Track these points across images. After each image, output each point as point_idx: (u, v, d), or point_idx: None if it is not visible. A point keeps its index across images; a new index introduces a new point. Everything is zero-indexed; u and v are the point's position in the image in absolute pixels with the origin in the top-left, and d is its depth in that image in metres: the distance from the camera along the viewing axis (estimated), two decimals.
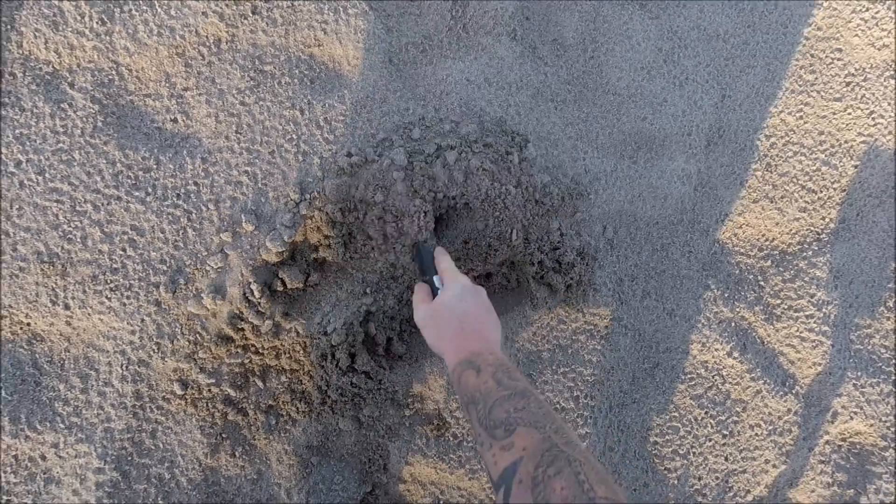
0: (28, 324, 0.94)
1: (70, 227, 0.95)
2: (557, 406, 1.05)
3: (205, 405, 0.97)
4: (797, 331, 1.15)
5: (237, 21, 1.04)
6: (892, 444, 1.12)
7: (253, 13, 1.05)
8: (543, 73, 1.16)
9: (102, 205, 0.97)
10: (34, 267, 0.93)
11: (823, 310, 1.16)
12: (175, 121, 1.01)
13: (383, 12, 1.11)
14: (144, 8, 1.00)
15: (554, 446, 0.53)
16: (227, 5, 1.03)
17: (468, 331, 0.73)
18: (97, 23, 0.98)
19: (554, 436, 0.55)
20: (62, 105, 0.97)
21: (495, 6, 1.15)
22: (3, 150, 0.94)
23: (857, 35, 1.26)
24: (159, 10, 1.01)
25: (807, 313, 1.15)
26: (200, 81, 1.02)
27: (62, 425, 0.92)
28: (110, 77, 0.99)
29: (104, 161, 0.97)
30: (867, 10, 1.27)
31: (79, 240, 0.95)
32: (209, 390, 0.98)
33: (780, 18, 1.25)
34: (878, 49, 1.26)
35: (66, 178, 0.96)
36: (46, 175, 0.95)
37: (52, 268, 0.94)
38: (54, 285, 0.94)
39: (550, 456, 0.52)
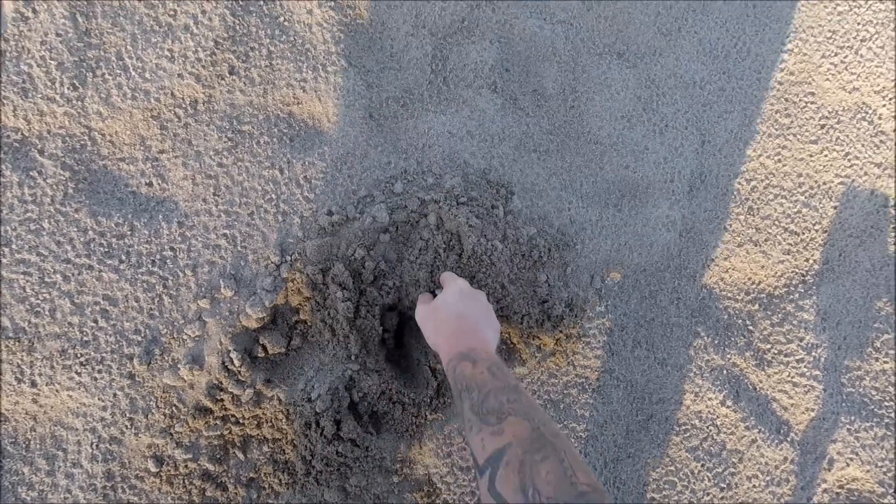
0: None
1: (38, 299, 0.91)
2: None
3: (181, 482, 0.92)
4: (789, 375, 1.14)
5: (214, 82, 1.02)
6: (891, 491, 1.11)
7: (230, 73, 1.03)
8: (525, 123, 1.16)
9: (73, 275, 0.93)
10: None
11: (813, 353, 1.15)
12: (150, 184, 0.99)
13: (363, 68, 1.11)
14: (118, 72, 0.98)
15: (541, 436, 0.57)
16: (203, 66, 1.02)
17: (465, 328, 0.77)
18: (68, 88, 0.96)
19: (542, 427, 0.59)
20: (31, 173, 0.93)
21: (475, 59, 1.16)
22: None
23: (827, 79, 1.29)
24: (133, 73, 0.99)
25: (797, 357, 1.14)
26: (177, 143, 1.00)
27: None
28: (82, 142, 0.96)
29: (75, 229, 0.94)
30: (836, 55, 1.31)
31: (47, 313, 0.91)
32: (186, 466, 0.92)
33: (752, 65, 1.27)
34: (849, 92, 1.29)
35: (35, 249, 0.92)
36: (13, 246, 0.91)
37: (17, 344, 0.89)
38: (20, 362, 0.89)
39: (538, 444, 0.56)
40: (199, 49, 1.01)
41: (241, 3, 1.04)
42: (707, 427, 1.08)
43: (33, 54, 0.94)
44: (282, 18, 1.06)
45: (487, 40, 1.17)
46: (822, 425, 1.12)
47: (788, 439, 1.10)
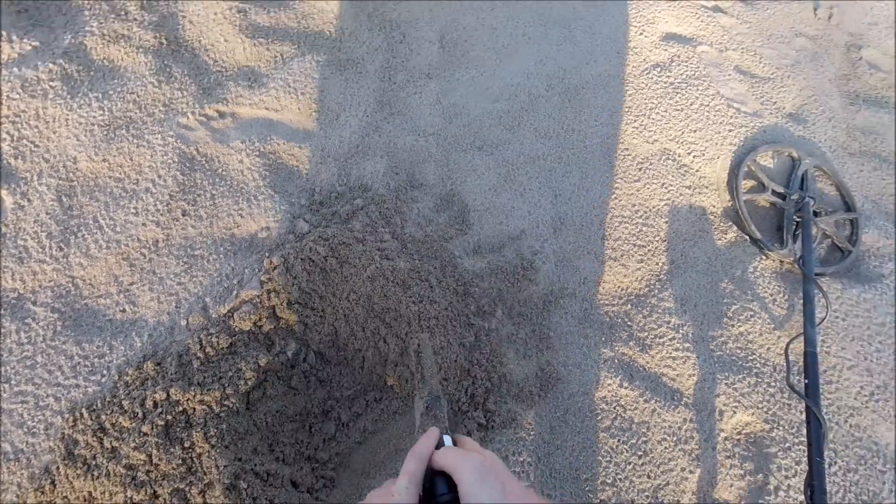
0: None
1: (34, 422, 1.08)
2: None
3: None
4: (668, 352, 1.40)
5: (170, 224, 1.33)
6: (777, 424, 1.34)
7: (183, 215, 1.35)
8: (417, 204, 1.51)
9: (63, 395, 1.11)
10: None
11: (681, 331, 1.44)
12: (124, 311, 1.23)
13: (286, 192, 1.45)
14: (95, 231, 1.27)
15: None
16: (161, 214, 1.33)
17: None
18: (56, 250, 1.23)
19: None
20: (26, 321, 1.16)
21: (371, 170, 1.54)
22: None
23: (634, 137, 1.76)
24: (106, 229, 1.28)
25: (669, 337, 1.43)
26: (143, 275, 1.27)
27: None
28: (67, 289, 1.22)
29: (63, 357, 1.15)
30: (636, 120, 1.80)
31: (42, 432, 1.08)
32: None
33: (577, 137, 1.73)
34: (651, 143, 1.76)
35: (30, 380, 1.11)
36: (12, 381, 1.10)
37: (17, 464, 1.04)
38: (19, 481, 1.03)
39: None
40: (158, 202, 1.33)
41: (187, 164, 1.40)
42: (614, 408, 1.30)
43: (27, 231, 1.23)
44: (220, 170, 1.42)
45: (378, 156, 1.57)
46: (705, 385, 1.37)
47: (682, 403, 1.34)
